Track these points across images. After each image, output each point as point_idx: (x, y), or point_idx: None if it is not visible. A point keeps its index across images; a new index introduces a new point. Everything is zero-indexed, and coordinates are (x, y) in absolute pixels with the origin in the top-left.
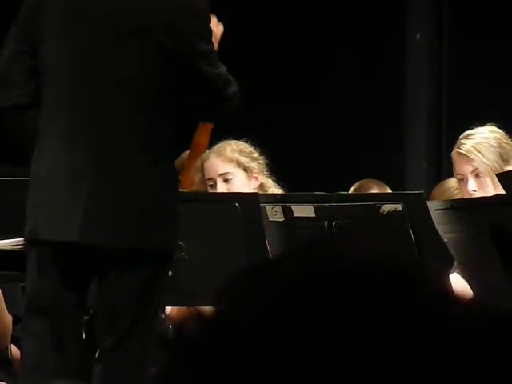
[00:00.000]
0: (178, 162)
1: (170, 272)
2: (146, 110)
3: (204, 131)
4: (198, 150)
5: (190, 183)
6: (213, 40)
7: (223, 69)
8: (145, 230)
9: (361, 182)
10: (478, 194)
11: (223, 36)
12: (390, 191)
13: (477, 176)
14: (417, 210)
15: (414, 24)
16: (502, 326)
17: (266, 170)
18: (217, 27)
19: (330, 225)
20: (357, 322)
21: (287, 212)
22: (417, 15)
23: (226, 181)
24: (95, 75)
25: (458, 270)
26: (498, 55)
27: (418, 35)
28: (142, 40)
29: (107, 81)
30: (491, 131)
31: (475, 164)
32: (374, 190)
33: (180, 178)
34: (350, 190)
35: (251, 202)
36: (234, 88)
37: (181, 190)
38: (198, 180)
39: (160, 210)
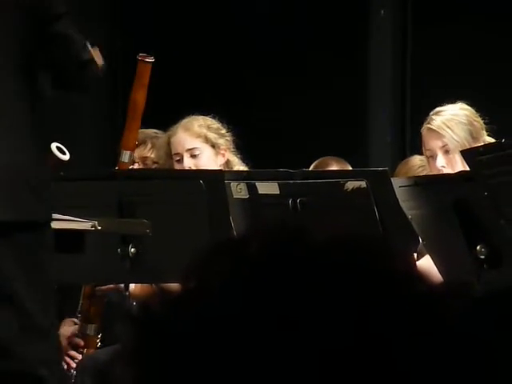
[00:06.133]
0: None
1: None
2: (8, 71)
3: (140, 86)
4: (137, 108)
5: (133, 146)
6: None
7: (80, 36)
8: (14, 200)
9: (320, 159)
10: (446, 171)
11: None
12: (350, 168)
13: (446, 152)
14: (381, 186)
15: (379, 0)
16: (466, 308)
17: (232, 146)
18: (99, 59)
19: (294, 202)
20: (323, 301)
21: (252, 189)
22: None
23: (193, 156)
24: None
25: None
26: (463, 30)
27: (382, 11)
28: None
29: None
30: (462, 108)
31: (445, 140)
32: (334, 167)
33: (121, 140)
34: (310, 168)
35: (216, 179)
36: (89, 55)
37: (124, 152)
38: (164, 154)
39: (30, 177)
